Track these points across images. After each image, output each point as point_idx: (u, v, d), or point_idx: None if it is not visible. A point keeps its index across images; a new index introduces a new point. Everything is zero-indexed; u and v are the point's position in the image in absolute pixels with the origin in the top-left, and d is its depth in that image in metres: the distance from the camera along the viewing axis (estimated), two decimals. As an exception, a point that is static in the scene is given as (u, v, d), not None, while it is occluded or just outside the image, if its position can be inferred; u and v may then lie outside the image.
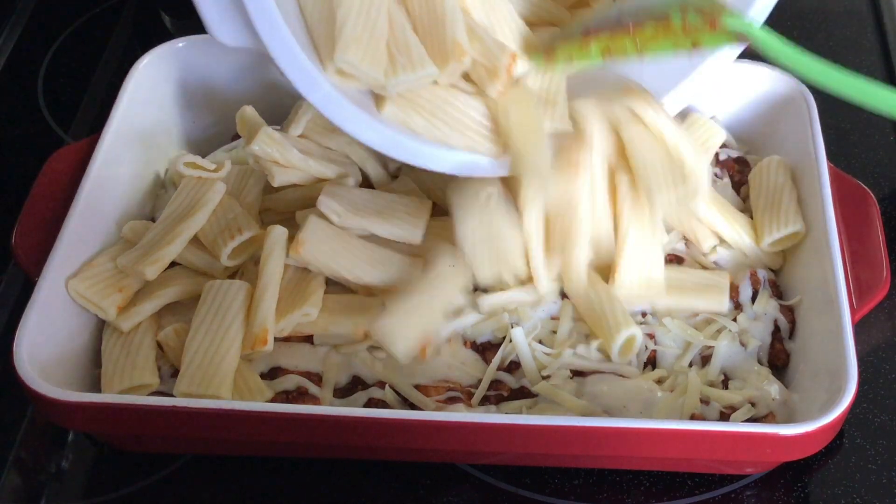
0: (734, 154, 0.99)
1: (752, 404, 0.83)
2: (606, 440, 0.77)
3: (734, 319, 0.88)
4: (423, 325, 0.82)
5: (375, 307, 0.85)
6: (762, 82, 1.01)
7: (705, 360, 0.86)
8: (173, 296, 0.87)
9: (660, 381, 0.84)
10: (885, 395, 0.89)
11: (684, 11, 0.76)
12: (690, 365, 0.85)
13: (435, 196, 0.91)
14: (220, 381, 0.81)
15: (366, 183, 0.93)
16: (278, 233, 0.87)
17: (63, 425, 0.85)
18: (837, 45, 1.21)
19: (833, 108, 1.11)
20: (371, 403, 0.83)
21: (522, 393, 0.83)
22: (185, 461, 0.85)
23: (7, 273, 0.98)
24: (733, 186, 0.97)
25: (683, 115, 0.99)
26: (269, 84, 1.01)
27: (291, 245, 0.85)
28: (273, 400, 0.82)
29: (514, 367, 0.85)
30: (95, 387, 0.84)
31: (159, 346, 0.86)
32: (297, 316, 0.84)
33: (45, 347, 0.81)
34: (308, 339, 0.86)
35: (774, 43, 0.76)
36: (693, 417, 0.82)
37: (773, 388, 0.84)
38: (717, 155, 0.98)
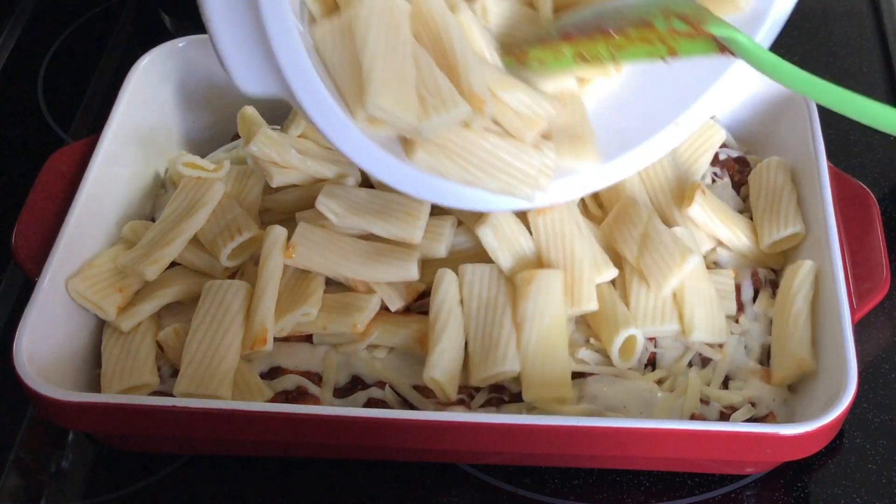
0: (734, 154, 0.99)
1: (753, 404, 0.83)
2: (606, 440, 0.77)
3: (736, 321, 0.88)
4: None
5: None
6: (762, 82, 1.01)
7: (705, 360, 0.86)
8: (173, 296, 0.87)
9: (660, 382, 0.84)
10: (885, 395, 0.89)
11: (667, 17, 0.74)
12: (690, 365, 0.85)
13: None
14: (219, 380, 0.81)
15: (366, 182, 0.93)
16: (277, 233, 0.87)
17: (63, 425, 0.85)
18: (837, 45, 1.21)
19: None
20: (371, 403, 0.83)
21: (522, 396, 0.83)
22: (185, 461, 0.85)
23: (7, 273, 0.98)
24: (733, 186, 0.97)
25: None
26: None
27: (284, 250, 0.86)
28: (273, 400, 0.82)
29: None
30: (95, 387, 0.84)
31: (159, 346, 0.86)
32: (296, 315, 0.84)
33: (44, 347, 0.81)
34: (308, 339, 0.86)
35: (759, 52, 0.74)
36: (693, 417, 0.82)
37: (773, 388, 0.84)
38: (717, 155, 0.98)
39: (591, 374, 0.84)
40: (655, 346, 0.86)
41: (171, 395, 0.81)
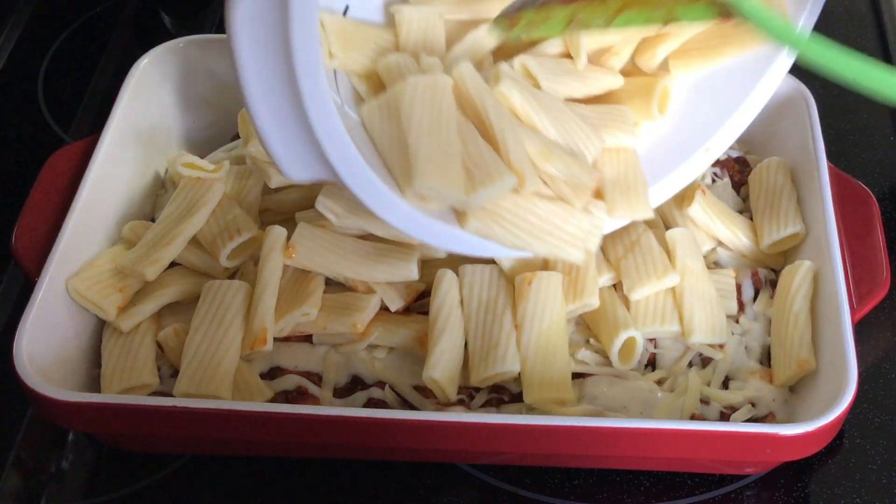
0: (734, 154, 0.99)
1: (753, 404, 0.83)
2: (606, 440, 0.77)
3: (737, 321, 0.88)
4: None
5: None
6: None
7: (705, 361, 0.86)
8: (173, 296, 0.87)
9: (659, 382, 0.84)
10: (885, 395, 0.89)
11: None
12: (690, 365, 0.85)
13: None
14: (219, 381, 0.81)
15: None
16: (277, 233, 0.87)
17: (63, 425, 0.85)
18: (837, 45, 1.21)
19: (833, 108, 1.11)
20: (371, 403, 0.83)
21: (523, 396, 0.83)
22: (185, 461, 0.85)
23: (7, 273, 0.98)
24: (733, 186, 0.97)
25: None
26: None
27: (284, 250, 0.86)
28: (273, 400, 0.82)
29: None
30: (95, 387, 0.84)
31: (159, 346, 0.86)
32: (296, 315, 0.84)
33: (44, 347, 0.81)
34: (308, 339, 0.86)
35: (761, 13, 0.71)
36: (693, 418, 0.82)
37: (773, 388, 0.84)
38: (717, 155, 0.98)
39: (590, 375, 0.84)
40: (655, 347, 0.86)
41: (171, 395, 0.81)
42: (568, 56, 0.86)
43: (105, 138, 0.94)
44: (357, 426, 0.77)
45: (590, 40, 0.84)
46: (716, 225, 0.91)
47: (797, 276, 0.87)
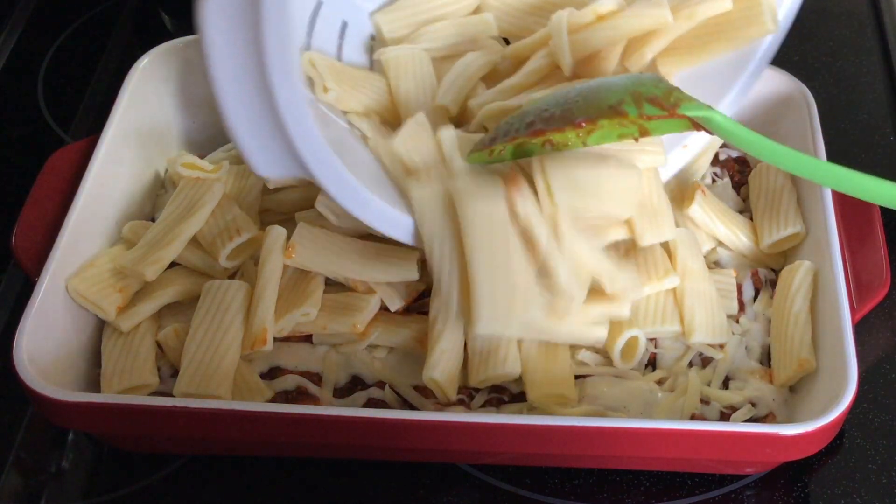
0: (734, 154, 0.99)
1: (753, 404, 0.83)
2: (606, 440, 0.77)
3: (737, 321, 0.88)
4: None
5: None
6: (763, 82, 1.00)
7: (706, 361, 0.86)
8: (173, 296, 0.87)
9: (660, 382, 0.84)
10: (885, 395, 0.89)
11: (638, 101, 0.73)
12: (690, 365, 0.85)
13: None
14: (219, 381, 0.81)
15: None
16: (277, 233, 0.87)
17: (63, 425, 0.85)
18: (837, 45, 1.21)
19: (833, 108, 1.11)
20: (370, 403, 0.83)
21: (523, 397, 0.83)
22: (185, 461, 0.85)
23: (7, 273, 0.98)
24: (733, 186, 0.97)
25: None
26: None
27: (284, 250, 0.86)
28: (273, 400, 0.82)
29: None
30: (95, 387, 0.84)
31: (159, 346, 0.86)
32: (296, 315, 0.84)
33: (44, 347, 0.81)
34: (307, 339, 0.86)
35: (735, 129, 0.73)
36: (693, 418, 0.82)
37: (773, 388, 0.84)
38: (717, 155, 0.98)
39: (590, 375, 0.84)
40: (656, 347, 0.86)
41: (171, 395, 0.81)
42: (556, 66, 0.86)
43: (105, 138, 0.94)
44: (357, 426, 0.77)
45: (576, 45, 0.84)
46: (716, 225, 0.91)
47: (797, 277, 0.87)
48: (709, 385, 0.84)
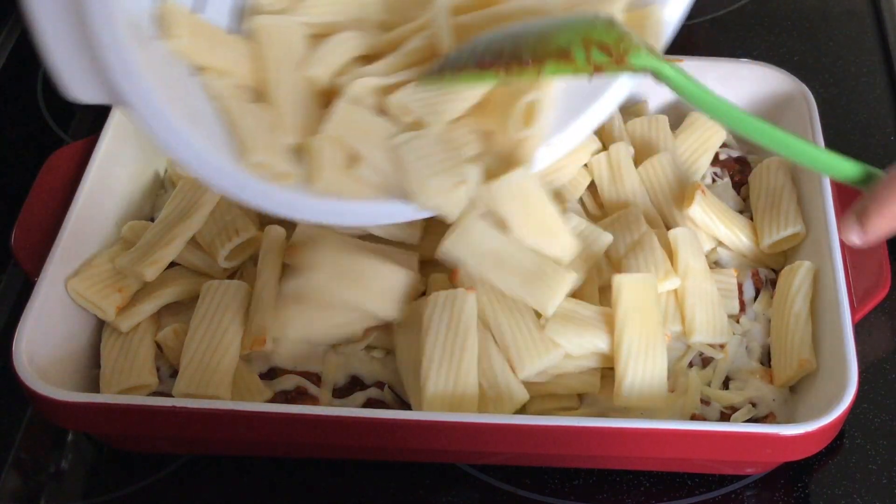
0: (734, 154, 0.99)
1: (753, 404, 0.83)
2: (606, 440, 0.77)
3: (737, 321, 0.88)
4: None
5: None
6: (763, 81, 1.01)
7: (706, 361, 0.86)
8: (173, 296, 0.87)
9: (660, 382, 0.84)
10: (885, 395, 0.89)
11: (587, 46, 0.71)
12: (691, 365, 0.85)
13: None
14: (219, 381, 0.81)
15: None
16: (276, 233, 0.87)
17: (62, 425, 0.85)
18: (837, 45, 1.21)
19: (833, 108, 1.11)
20: (370, 404, 0.83)
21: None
22: (185, 461, 0.85)
23: (7, 273, 0.98)
24: (733, 186, 0.97)
25: (684, 115, 1.00)
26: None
27: (286, 251, 0.86)
28: (272, 400, 0.82)
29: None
30: (95, 387, 0.84)
31: (158, 346, 0.86)
32: (296, 316, 0.84)
33: (44, 347, 0.81)
34: (307, 339, 0.86)
35: (685, 83, 0.72)
36: (693, 418, 0.82)
37: (774, 389, 0.84)
38: (717, 155, 0.98)
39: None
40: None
41: (170, 395, 0.81)
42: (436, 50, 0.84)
43: (105, 138, 0.94)
44: (356, 426, 0.77)
45: (459, 30, 0.81)
46: (716, 225, 0.91)
47: (797, 277, 0.87)
48: (709, 385, 0.84)
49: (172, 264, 0.89)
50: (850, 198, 0.92)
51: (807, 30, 1.23)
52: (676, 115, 1.00)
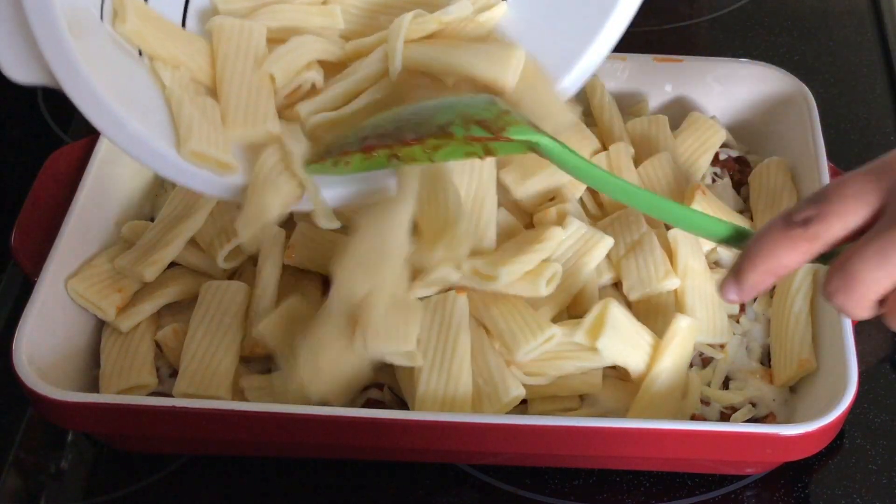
0: (734, 154, 0.99)
1: (753, 405, 0.83)
2: (606, 440, 0.77)
3: (738, 321, 0.88)
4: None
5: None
6: (763, 81, 1.01)
7: (706, 361, 0.86)
8: (173, 296, 0.87)
9: (660, 382, 0.84)
10: (885, 395, 0.89)
11: (467, 123, 0.72)
12: (691, 366, 0.85)
13: None
14: (219, 381, 0.81)
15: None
16: (276, 234, 0.87)
17: (62, 425, 0.85)
18: (837, 45, 1.21)
19: (833, 108, 1.11)
20: (369, 404, 0.83)
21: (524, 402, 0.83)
22: (185, 461, 0.85)
23: (6, 273, 0.98)
24: (733, 186, 0.97)
25: (684, 115, 1.00)
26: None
27: (285, 251, 0.85)
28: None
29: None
30: (95, 387, 0.84)
31: (158, 346, 0.86)
32: (296, 315, 0.84)
33: (44, 347, 0.81)
34: (307, 339, 0.86)
35: (564, 154, 0.72)
36: (693, 418, 0.82)
37: (774, 389, 0.84)
38: (717, 155, 0.98)
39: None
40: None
41: (170, 395, 0.81)
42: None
43: (105, 138, 0.93)
44: (356, 426, 0.77)
45: (409, 56, 0.81)
46: (715, 225, 0.91)
47: (797, 277, 0.87)
48: (709, 385, 0.84)
49: (172, 264, 0.89)
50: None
51: (807, 30, 1.23)
52: (676, 115, 1.00)
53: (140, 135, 0.73)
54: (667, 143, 0.96)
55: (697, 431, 0.77)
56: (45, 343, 0.82)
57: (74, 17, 0.69)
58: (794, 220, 0.63)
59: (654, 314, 0.86)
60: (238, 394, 0.82)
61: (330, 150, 0.76)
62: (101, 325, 0.87)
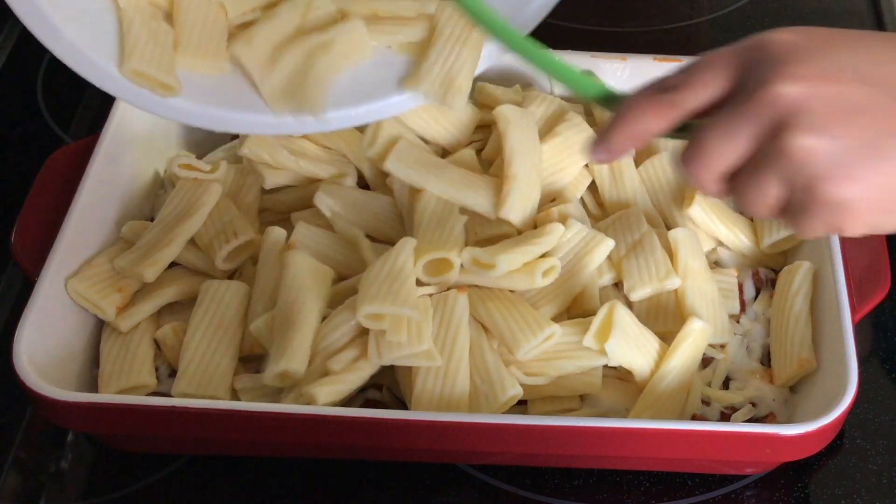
0: (734, 154, 0.99)
1: (753, 404, 0.83)
2: (606, 440, 0.77)
3: (738, 321, 0.88)
4: None
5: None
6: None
7: (706, 361, 0.86)
8: (172, 296, 0.87)
9: (660, 382, 0.84)
10: (885, 395, 0.89)
11: None
12: (691, 366, 0.85)
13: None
14: (218, 381, 0.81)
15: (362, 184, 0.93)
16: (276, 234, 0.87)
17: (62, 425, 0.85)
18: (838, 45, 1.21)
19: (833, 108, 1.11)
20: (368, 404, 0.83)
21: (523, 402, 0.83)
22: (185, 461, 0.85)
23: (7, 273, 0.98)
24: (733, 186, 0.97)
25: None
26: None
27: (284, 251, 0.86)
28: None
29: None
30: (95, 387, 0.84)
31: (157, 345, 0.86)
32: (296, 316, 0.84)
33: (44, 347, 0.81)
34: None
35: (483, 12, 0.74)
36: (693, 418, 0.82)
37: (774, 389, 0.84)
38: (717, 155, 0.98)
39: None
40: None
41: (169, 395, 0.81)
42: None
43: (104, 138, 0.94)
44: (355, 426, 0.77)
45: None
46: (716, 225, 0.91)
47: (797, 277, 0.87)
48: (709, 385, 0.84)
49: (172, 264, 0.89)
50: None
51: (807, 30, 1.23)
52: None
53: (77, 45, 0.75)
54: (667, 143, 0.96)
55: (698, 431, 0.77)
56: (44, 343, 0.82)
57: None
58: (662, 86, 0.66)
59: (655, 314, 0.86)
60: (237, 393, 0.82)
61: None
62: (100, 325, 0.87)
